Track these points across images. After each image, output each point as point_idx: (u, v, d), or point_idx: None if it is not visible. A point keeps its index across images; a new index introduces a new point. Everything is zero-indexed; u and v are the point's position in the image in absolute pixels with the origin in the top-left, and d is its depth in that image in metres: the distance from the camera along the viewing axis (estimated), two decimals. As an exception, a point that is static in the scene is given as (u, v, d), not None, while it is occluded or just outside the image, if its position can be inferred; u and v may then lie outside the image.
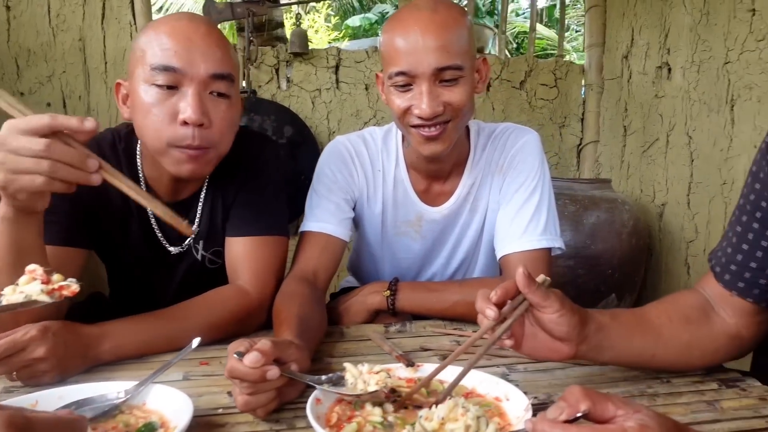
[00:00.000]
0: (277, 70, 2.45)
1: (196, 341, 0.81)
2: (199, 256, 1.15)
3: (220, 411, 0.74)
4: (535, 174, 1.18)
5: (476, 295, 1.08)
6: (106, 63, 2.31)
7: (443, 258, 1.30)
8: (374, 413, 0.66)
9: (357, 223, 1.30)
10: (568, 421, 0.51)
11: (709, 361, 0.85)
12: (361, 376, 0.72)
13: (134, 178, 1.05)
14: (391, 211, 1.26)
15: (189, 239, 1.12)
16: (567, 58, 2.48)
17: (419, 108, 1.03)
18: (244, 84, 2.38)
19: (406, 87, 1.05)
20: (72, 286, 0.71)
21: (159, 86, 0.91)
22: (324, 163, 1.24)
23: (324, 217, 1.19)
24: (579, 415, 0.51)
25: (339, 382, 0.72)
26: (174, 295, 1.13)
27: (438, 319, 1.13)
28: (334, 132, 2.49)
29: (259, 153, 1.14)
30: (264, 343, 0.69)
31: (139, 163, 1.08)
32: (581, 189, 2.15)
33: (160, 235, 1.11)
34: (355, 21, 10.11)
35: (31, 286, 0.69)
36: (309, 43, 2.48)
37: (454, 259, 1.29)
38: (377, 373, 0.72)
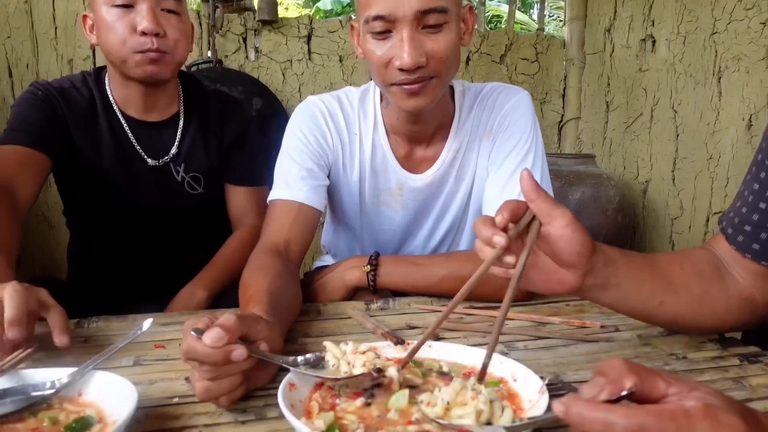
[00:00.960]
0: (244, 39, 2.30)
1: (147, 323, 0.69)
2: (179, 178, 1.25)
3: (176, 400, 0.63)
4: (528, 137, 1.08)
5: (464, 269, 1.00)
6: (56, 28, 2.13)
7: (426, 230, 1.19)
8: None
9: (332, 193, 1.18)
10: (610, 401, 0.40)
11: (720, 322, 0.77)
12: (345, 356, 0.61)
13: (108, 104, 1.20)
14: (369, 180, 1.14)
15: (168, 156, 1.23)
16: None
17: (400, 58, 0.91)
18: (209, 53, 2.22)
19: (384, 34, 0.93)
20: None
21: (117, 6, 1.08)
22: (295, 125, 1.12)
23: (295, 183, 1.06)
24: (624, 393, 0.40)
25: (318, 363, 0.61)
26: (152, 215, 1.25)
27: (423, 296, 1.02)
28: (306, 106, 2.36)
29: (245, 114, 1.35)
30: (227, 317, 0.57)
31: (108, 90, 1.21)
32: (566, 164, 2.07)
33: (138, 147, 1.21)
34: (326, 4, 9.84)
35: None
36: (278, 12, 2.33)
37: (438, 231, 1.19)
38: (363, 353, 0.61)
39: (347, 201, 1.18)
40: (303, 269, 1.25)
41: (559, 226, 0.61)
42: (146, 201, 1.25)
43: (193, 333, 0.55)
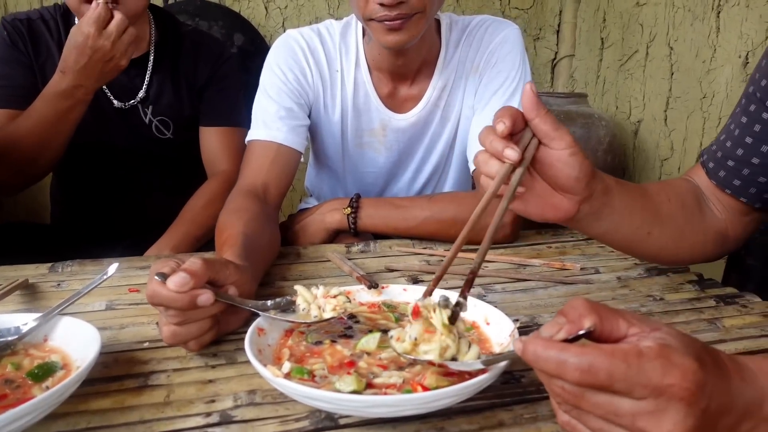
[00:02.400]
0: (224, -30, 2.17)
1: (112, 267, 0.67)
2: (147, 120, 1.22)
3: (146, 345, 0.62)
4: (516, 73, 1.04)
5: (446, 212, 0.98)
6: (22, -43, 2.00)
7: (411, 171, 1.17)
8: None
9: (313, 133, 1.14)
10: (568, 341, 0.39)
11: (696, 255, 0.76)
12: (316, 300, 0.60)
13: None
14: (351, 119, 1.11)
15: (135, 99, 1.20)
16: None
17: None
18: (187, -15, 2.10)
19: None
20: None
21: None
22: (273, 61, 1.07)
23: (273, 123, 1.03)
24: (581, 333, 0.39)
25: (288, 308, 0.60)
26: (124, 159, 1.24)
27: (405, 239, 1.01)
28: (291, 42, 2.27)
29: (221, 51, 1.28)
30: (193, 262, 0.56)
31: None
32: (557, 104, 2.02)
33: (105, 88, 1.17)
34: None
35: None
36: (260, -61, 2.19)
37: (423, 173, 1.17)
38: (335, 297, 0.60)
39: (329, 142, 1.14)
40: (291, 211, 1.22)
41: (558, 148, 0.57)
42: (116, 142, 1.22)
43: (156, 278, 0.54)
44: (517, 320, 0.63)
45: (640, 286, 0.79)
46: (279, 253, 0.91)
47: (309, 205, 1.36)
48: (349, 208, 1.01)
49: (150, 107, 1.21)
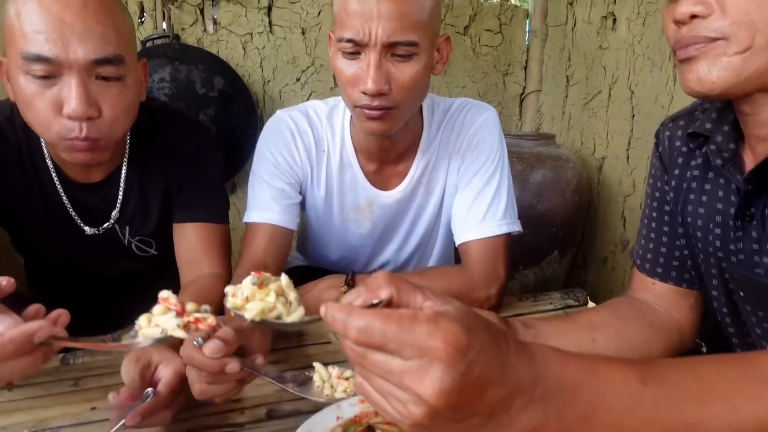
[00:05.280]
0: (201, 11, 2.19)
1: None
2: (125, 241, 1.09)
3: None
4: (495, 156, 1.12)
5: (438, 287, 1.05)
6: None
7: (396, 243, 1.24)
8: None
9: (302, 205, 1.20)
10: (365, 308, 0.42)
11: (653, 350, 0.86)
12: (330, 379, 0.67)
13: (38, 158, 0.98)
14: (337, 197, 1.17)
15: (109, 222, 1.06)
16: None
17: (364, 82, 0.92)
18: (164, 26, 2.12)
19: (354, 55, 0.94)
20: (208, 319, 0.61)
21: (36, 77, 0.80)
22: (264, 145, 1.13)
23: (267, 205, 1.09)
24: (376, 302, 0.43)
25: (305, 382, 0.66)
26: (105, 279, 1.13)
27: (397, 312, 1.08)
28: (269, 81, 2.30)
29: (200, 142, 1.08)
30: (226, 331, 0.63)
31: (43, 142, 0.98)
32: (528, 146, 2.12)
33: (73, 213, 1.03)
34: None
35: (167, 318, 0.59)
36: (237, -20, 2.22)
37: (409, 244, 1.24)
38: (347, 379, 0.66)
39: (313, 216, 1.21)
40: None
41: None
42: (89, 266, 1.10)
43: (195, 342, 0.61)
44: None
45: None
46: (284, 334, 0.97)
47: (295, 261, 1.42)
48: (345, 286, 1.07)
49: (127, 227, 1.07)
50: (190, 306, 0.61)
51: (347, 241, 1.24)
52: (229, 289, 0.59)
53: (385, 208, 1.18)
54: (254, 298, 0.56)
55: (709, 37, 0.65)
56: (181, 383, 0.70)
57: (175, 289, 1.01)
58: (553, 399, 0.43)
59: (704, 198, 0.81)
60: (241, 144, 2.17)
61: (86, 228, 1.04)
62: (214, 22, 2.21)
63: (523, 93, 2.71)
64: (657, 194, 0.90)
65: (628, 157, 2.24)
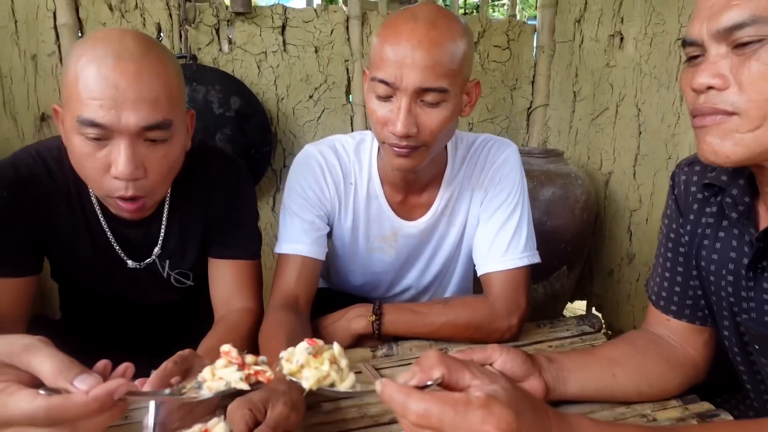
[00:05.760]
0: (217, 31, 2.23)
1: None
2: (165, 274, 1.14)
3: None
4: (516, 190, 1.17)
5: (461, 317, 1.10)
6: (15, 22, 2.02)
7: (418, 270, 1.29)
8: None
9: (329, 234, 1.25)
10: (419, 387, 0.47)
11: (658, 390, 0.91)
12: None
13: (85, 197, 1.03)
14: (363, 227, 1.22)
15: (151, 258, 1.11)
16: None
17: (394, 125, 0.98)
18: (182, 47, 2.16)
19: (386, 98, 0.99)
20: (267, 372, 0.65)
21: (89, 138, 0.85)
22: (294, 179, 1.18)
23: (298, 237, 1.14)
24: (430, 383, 0.48)
25: None
26: (140, 309, 1.17)
27: (423, 340, 1.13)
28: (282, 99, 2.35)
29: (237, 180, 1.13)
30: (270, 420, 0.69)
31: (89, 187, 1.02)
32: (537, 164, 2.17)
33: (117, 248, 1.08)
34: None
35: (229, 371, 0.63)
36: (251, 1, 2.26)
37: (430, 271, 1.29)
38: None
39: (339, 245, 1.26)
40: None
41: (496, 359, 0.78)
42: (128, 297, 1.15)
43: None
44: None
45: (635, 405, 0.92)
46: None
47: (319, 285, 1.47)
48: (373, 315, 1.12)
49: (167, 261, 1.12)
50: (249, 359, 0.65)
51: (371, 268, 1.29)
52: (283, 354, 0.63)
53: (409, 238, 1.23)
54: (309, 365, 0.60)
55: (725, 111, 0.68)
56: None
57: (206, 319, 1.12)
58: None
59: (718, 245, 0.86)
60: (257, 161, 2.21)
61: (129, 261, 1.09)
62: (230, 42, 2.25)
63: (530, 107, 2.76)
64: (672, 235, 0.95)
65: (634, 173, 2.29)
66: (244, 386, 0.63)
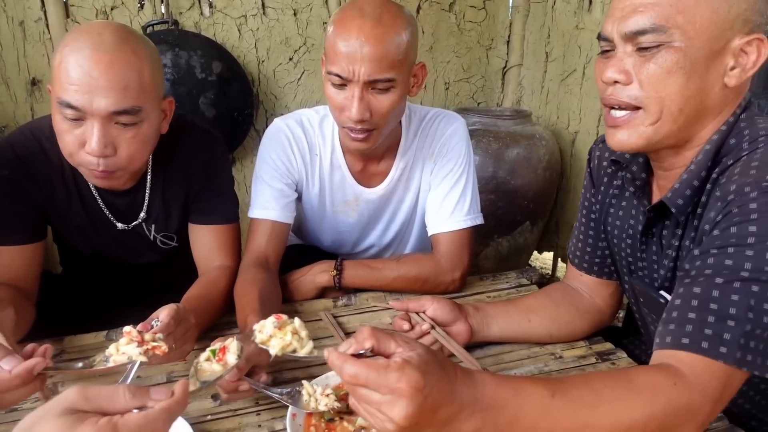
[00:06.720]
0: (198, -6, 2.30)
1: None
2: (151, 237, 1.28)
3: (209, 418, 0.90)
4: (462, 161, 1.32)
5: (411, 271, 1.27)
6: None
7: (379, 231, 1.45)
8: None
9: (298, 200, 1.40)
10: (356, 356, 0.61)
11: (567, 333, 1.09)
12: (314, 394, 0.84)
13: (76, 171, 1.11)
14: (328, 193, 1.37)
15: (139, 220, 1.23)
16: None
17: (349, 111, 1.11)
18: (164, 12, 2.24)
19: (340, 86, 1.12)
20: (162, 346, 0.80)
21: (67, 118, 0.98)
22: (264, 150, 1.31)
23: (268, 203, 1.29)
24: (363, 351, 0.61)
25: (296, 396, 0.84)
26: (131, 268, 1.32)
27: (379, 292, 1.30)
28: (263, 61, 2.44)
29: (212, 151, 1.24)
30: (240, 361, 0.83)
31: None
32: (504, 125, 2.30)
33: (107, 213, 1.21)
34: None
35: (130, 347, 0.78)
36: (230, -37, 2.31)
37: (390, 231, 1.45)
38: (327, 395, 0.83)
39: (308, 209, 1.41)
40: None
41: (428, 307, 1.01)
42: (119, 256, 1.29)
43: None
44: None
45: (548, 346, 1.10)
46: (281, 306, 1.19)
47: (291, 240, 1.63)
48: (335, 270, 1.29)
49: (153, 225, 1.25)
50: (147, 336, 0.80)
51: (337, 228, 1.44)
52: (256, 326, 0.81)
53: (369, 203, 1.38)
54: (275, 335, 0.79)
55: (631, 105, 0.79)
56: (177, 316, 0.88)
57: (190, 275, 1.27)
58: (488, 411, 0.63)
59: (621, 213, 1.02)
60: (239, 123, 2.33)
61: (118, 224, 1.22)
62: (210, 6, 2.32)
63: (505, 67, 2.85)
64: (587, 203, 1.10)
65: (597, 133, 2.42)
66: (143, 358, 0.78)
